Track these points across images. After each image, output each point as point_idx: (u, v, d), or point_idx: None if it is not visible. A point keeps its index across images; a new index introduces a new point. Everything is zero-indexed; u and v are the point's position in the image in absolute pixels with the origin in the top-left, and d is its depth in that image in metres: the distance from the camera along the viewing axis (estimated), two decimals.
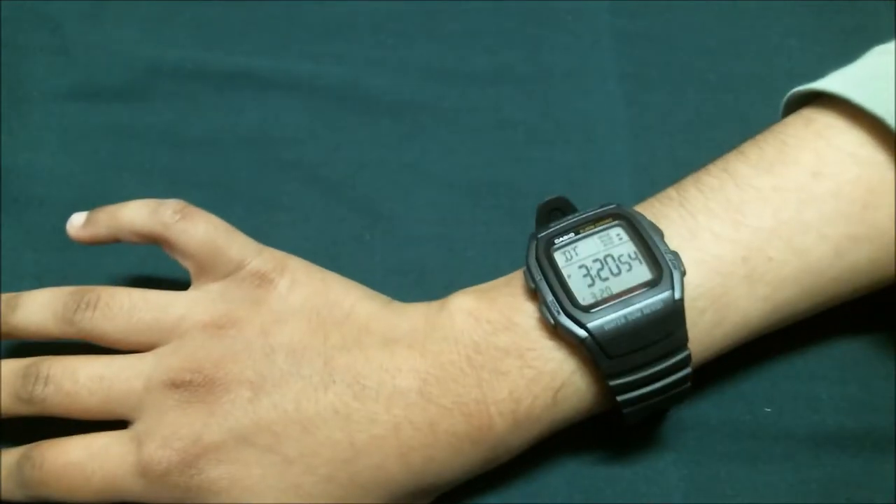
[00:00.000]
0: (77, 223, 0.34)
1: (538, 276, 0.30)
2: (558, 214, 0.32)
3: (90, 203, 0.39)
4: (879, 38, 0.43)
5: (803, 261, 0.30)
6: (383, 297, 0.34)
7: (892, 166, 0.30)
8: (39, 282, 0.38)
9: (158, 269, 0.38)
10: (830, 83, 0.32)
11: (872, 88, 0.31)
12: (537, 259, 0.30)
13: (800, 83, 0.42)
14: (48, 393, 0.30)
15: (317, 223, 0.39)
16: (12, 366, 0.31)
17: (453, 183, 0.40)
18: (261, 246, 0.33)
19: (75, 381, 0.30)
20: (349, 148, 0.41)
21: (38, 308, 0.32)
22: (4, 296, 0.33)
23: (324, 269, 0.33)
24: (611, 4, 0.45)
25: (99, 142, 0.42)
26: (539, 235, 0.31)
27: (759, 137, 0.33)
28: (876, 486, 0.33)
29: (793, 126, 0.32)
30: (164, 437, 0.29)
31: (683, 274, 0.29)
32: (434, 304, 0.32)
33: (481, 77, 0.43)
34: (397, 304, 0.33)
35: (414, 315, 0.32)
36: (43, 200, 0.40)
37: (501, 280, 0.32)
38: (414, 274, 0.38)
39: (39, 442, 0.31)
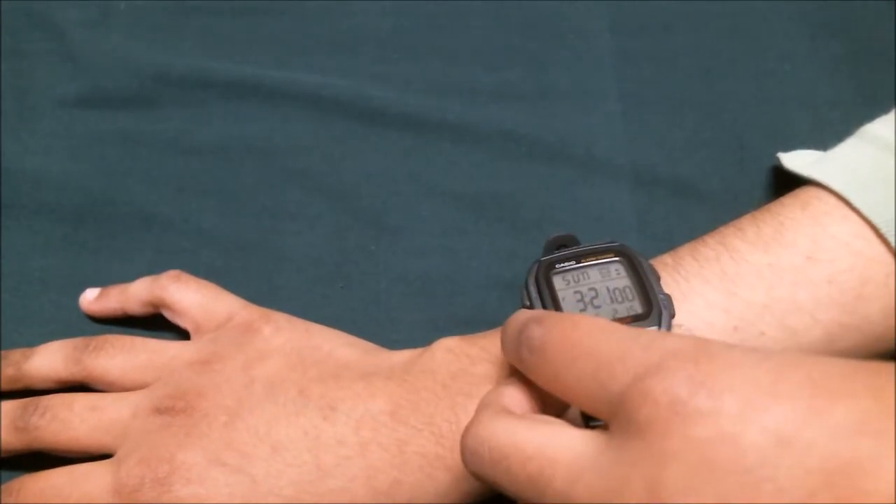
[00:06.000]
0: (90, 297, 0.37)
1: (534, 295, 0.30)
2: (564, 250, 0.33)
3: (98, 210, 0.40)
4: (870, 66, 0.44)
5: (794, 341, 0.31)
6: (367, 343, 0.35)
7: (885, 261, 0.31)
8: (46, 287, 0.38)
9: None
10: (830, 172, 0.33)
11: (874, 194, 0.32)
12: (536, 279, 0.31)
13: (792, 107, 0.43)
14: (44, 422, 0.32)
15: (322, 232, 0.40)
16: (15, 402, 0.33)
17: (457, 195, 0.41)
18: (247, 302, 0.36)
19: (70, 410, 0.32)
20: (355, 159, 0.42)
21: (50, 353, 0.35)
22: (19, 349, 0.35)
23: (308, 321, 0.35)
24: (612, 23, 0.46)
25: (106, 149, 0.42)
26: (542, 259, 0.31)
27: (758, 215, 0.34)
28: None
29: (790, 208, 0.33)
30: (141, 456, 0.30)
31: (672, 316, 0.29)
32: (418, 349, 0.33)
33: (485, 93, 0.44)
34: (377, 350, 0.34)
35: (395, 357, 0.33)
36: (52, 207, 0.40)
37: (488, 331, 0.33)
38: (418, 283, 0.38)
39: (21, 476, 0.32)
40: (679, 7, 0.46)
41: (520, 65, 0.45)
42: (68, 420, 0.32)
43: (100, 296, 0.37)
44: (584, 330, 0.23)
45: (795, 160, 0.36)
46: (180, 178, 0.41)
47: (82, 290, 0.38)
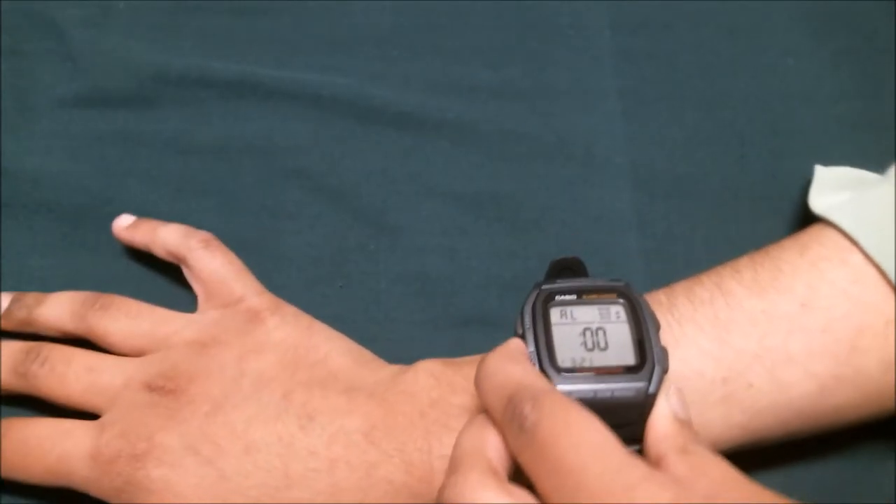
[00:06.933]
0: (123, 223, 0.38)
1: (528, 325, 0.29)
2: (569, 274, 0.32)
3: (97, 209, 0.40)
4: (873, 60, 0.44)
5: (785, 395, 0.30)
6: (364, 352, 0.35)
7: (884, 310, 0.30)
8: (45, 287, 0.38)
9: (161, 283, 0.39)
10: (845, 212, 0.32)
11: (880, 231, 0.31)
12: (533, 308, 0.30)
13: (795, 102, 0.43)
14: (42, 372, 0.33)
15: (322, 232, 0.40)
16: (19, 344, 0.35)
17: (456, 194, 0.41)
18: (263, 288, 0.36)
19: (67, 365, 0.33)
20: (354, 158, 0.42)
21: (60, 303, 0.35)
22: (34, 293, 0.36)
23: (314, 319, 0.35)
24: (612, 21, 0.45)
25: (105, 148, 0.42)
26: (543, 286, 0.31)
27: (756, 257, 0.33)
28: (871, 490, 0.33)
29: (788, 252, 0.32)
30: (123, 428, 0.31)
31: (665, 371, 0.28)
32: (404, 366, 0.33)
33: (484, 91, 0.43)
34: (371, 361, 0.34)
35: (382, 371, 0.33)
36: (50, 206, 0.40)
37: (474, 356, 0.33)
38: (417, 283, 0.38)
39: (8, 417, 0.33)
40: (679, 4, 0.46)
41: (519, 63, 0.44)
42: (64, 376, 0.33)
43: (133, 224, 0.38)
44: (575, 438, 0.23)
45: (822, 196, 0.34)
46: (179, 178, 0.41)
47: (81, 289, 0.37)
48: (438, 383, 0.31)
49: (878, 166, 0.41)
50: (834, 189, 0.34)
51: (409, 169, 0.41)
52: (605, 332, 0.29)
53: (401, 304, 0.38)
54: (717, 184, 0.41)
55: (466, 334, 0.37)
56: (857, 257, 0.31)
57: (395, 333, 0.37)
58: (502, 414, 0.25)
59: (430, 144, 0.42)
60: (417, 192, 0.41)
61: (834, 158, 0.41)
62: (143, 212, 0.40)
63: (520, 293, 0.37)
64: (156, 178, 0.41)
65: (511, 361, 0.27)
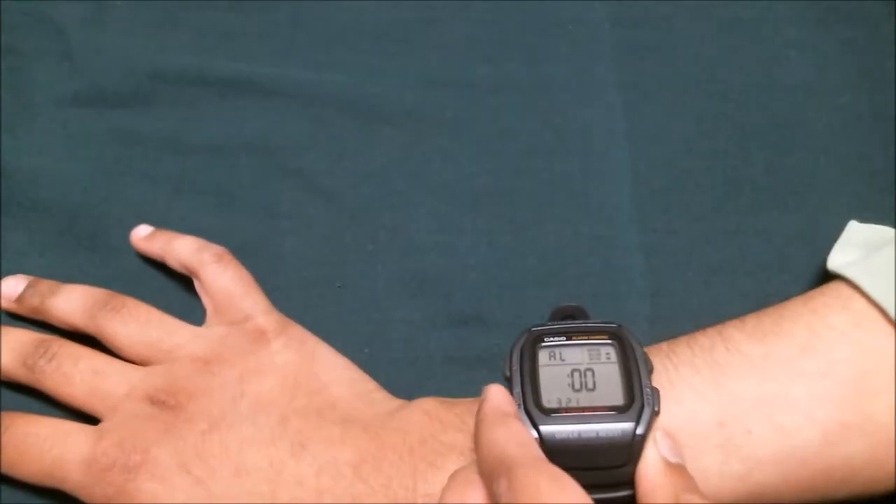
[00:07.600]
0: (141, 234, 0.38)
1: (515, 367, 0.29)
2: (570, 321, 0.32)
3: (94, 208, 0.40)
4: (875, 52, 0.43)
5: (787, 443, 0.29)
6: (367, 383, 0.34)
7: (888, 354, 0.29)
8: None
9: (159, 284, 0.39)
10: (853, 267, 0.31)
11: (886, 278, 0.30)
12: (521, 350, 0.30)
13: (798, 94, 0.43)
14: (49, 368, 0.33)
15: (319, 231, 0.39)
16: (31, 336, 0.35)
17: (454, 192, 0.40)
18: (271, 307, 0.36)
19: (74, 366, 0.33)
20: (351, 157, 0.41)
21: (73, 298, 0.35)
22: (49, 281, 0.36)
23: (321, 343, 0.35)
24: (611, 14, 0.45)
25: (103, 147, 0.42)
26: (533, 328, 0.30)
27: (762, 310, 0.32)
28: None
29: (793, 302, 0.32)
30: (120, 437, 0.31)
31: (656, 413, 0.28)
32: (404, 402, 0.33)
33: (482, 86, 0.43)
34: (372, 394, 0.34)
35: (381, 406, 0.33)
36: (47, 205, 0.40)
37: (468, 399, 0.33)
38: (415, 282, 0.38)
39: (11, 412, 0.33)
40: None
41: (517, 57, 0.44)
42: (70, 376, 0.33)
43: (149, 235, 0.38)
44: None
45: (841, 254, 0.33)
46: (176, 177, 0.41)
47: None
48: (430, 421, 0.31)
49: (881, 158, 0.40)
50: (857, 247, 0.33)
51: (407, 167, 0.41)
52: (593, 373, 0.29)
53: (399, 304, 0.38)
54: (719, 177, 0.40)
55: (465, 333, 0.37)
56: (860, 303, 0.30)
57: (393, 333, 0.37)
58: (488, 483, 0.25)
59: (428, 141, 0.42)
60: (415, 190, 0.40)
61: (836, 151, 0.41)
62: (140, 211, 0.40)
63: (519, 291, 0.38)
64: (153, 177, 0.41)
65: (494, 425, 0.26)
